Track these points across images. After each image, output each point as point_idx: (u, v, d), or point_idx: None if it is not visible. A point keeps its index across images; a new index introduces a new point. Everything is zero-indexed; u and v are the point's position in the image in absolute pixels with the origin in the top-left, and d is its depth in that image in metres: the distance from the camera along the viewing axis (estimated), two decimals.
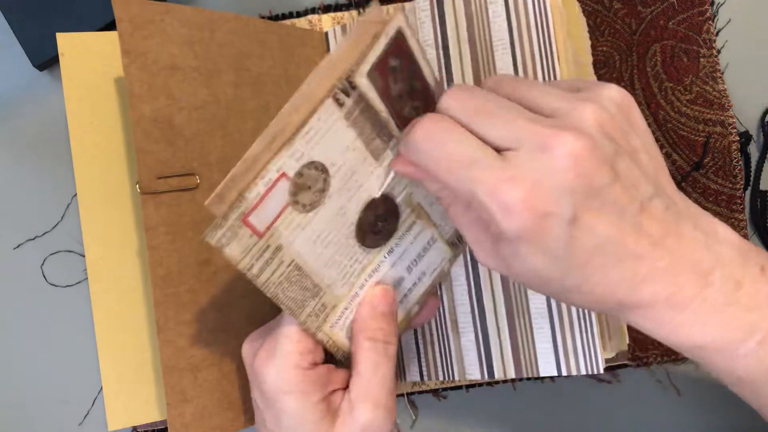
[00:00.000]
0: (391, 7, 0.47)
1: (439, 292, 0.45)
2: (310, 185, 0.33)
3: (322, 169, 0.33)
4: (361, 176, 0.35)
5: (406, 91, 0.34)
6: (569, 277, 0.31)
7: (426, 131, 0.32)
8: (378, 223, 0.37)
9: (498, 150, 0.30)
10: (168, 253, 0.40)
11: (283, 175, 0.32)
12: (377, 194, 0.36)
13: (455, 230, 0.41)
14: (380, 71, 0.33)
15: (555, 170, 0.29)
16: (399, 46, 0.33)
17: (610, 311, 0.32)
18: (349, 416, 0.36)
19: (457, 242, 0.41)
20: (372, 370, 0.37)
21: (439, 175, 0.31)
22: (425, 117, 0.32)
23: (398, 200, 0.37)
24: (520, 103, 0.32)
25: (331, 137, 0.33)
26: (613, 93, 0.31)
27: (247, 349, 0.39)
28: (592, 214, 0.30)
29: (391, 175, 0.36)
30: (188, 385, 0.40)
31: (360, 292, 0.38)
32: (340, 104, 0.32)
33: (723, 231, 0.32)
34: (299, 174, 0.32)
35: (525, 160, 0.29)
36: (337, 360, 0.39)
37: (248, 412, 0.43)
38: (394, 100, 0.34)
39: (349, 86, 0.32)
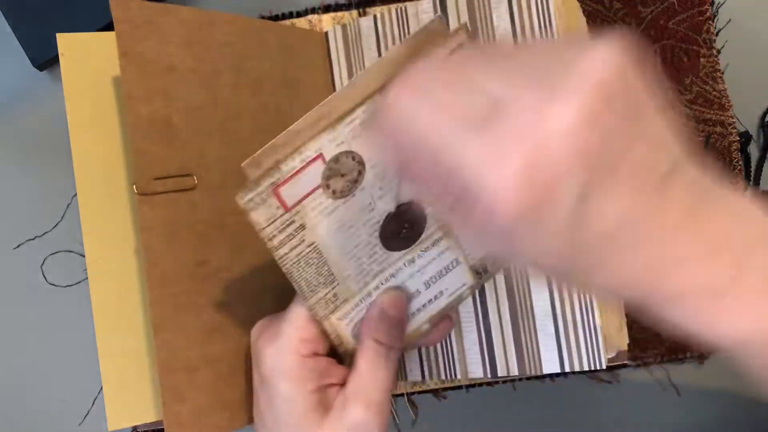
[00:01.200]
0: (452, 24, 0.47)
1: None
2: (344, 173, 0.34)
3: (359, 161, 0.34)
4: (395, 179, 0.35)
5: None
6: (584, 262, 0.26)
7: (391, 109, 0.26)
8: (404, 228, 0.37)
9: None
10: (164, 254, 0.40)
11: (321, 156, 0.33)
12: (405, 200, 0.36)
13: (481, 259, 0.41)
14: None
15: (559, 131, 0.23)
16: None
17: (633, 300, 0.27)
18: (341, 412, 0.36)
19: (481, 272, 0.41)
20: (371, 371, 0.37)
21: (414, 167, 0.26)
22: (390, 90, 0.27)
23: (427, 210, 0.37)
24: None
25: (372, 133, 0.33)
26: (610, 53, 0.24)
27: (255, 329, 0.39)
28: (607, 188, 0.24)
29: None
30: (184, 385, 0.40)
31: (374, 293, 0.38)
32: None
33: (755, 208, 0.27)
34: (335, 159, 0.33)
35: (517, 124, 0.23)
36: (339, 354, 0.39)
37: (245, 412, 0.43)
38: None
39: None
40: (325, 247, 0.35)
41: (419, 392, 0.51)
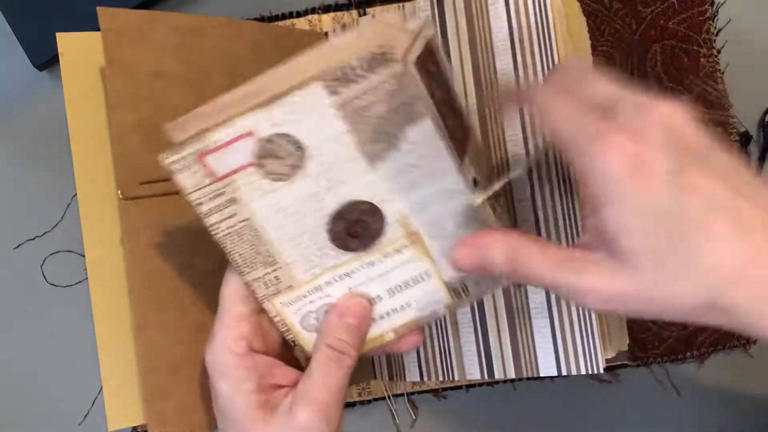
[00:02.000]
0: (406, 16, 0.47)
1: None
2: (281, 155, 0.33)
3: (298, 146, 0.33)
4: (346, 173, 0.34)
5: (444, 100, 0.33)
6: (679, 243, 0.28)
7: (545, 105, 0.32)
8: (356, 228, 0.36)
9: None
10: (151, 256, 0.41)
11: (251, 133, 0.32)
12: (363, 199, 0.35)
13: (461, 278, 0.38)
14: (422, 70, 0.32)
15: (655, 125, 0.28)
16: (431, 55, 0.33)
17: (708, 300, 0.29)
18: (288, 413, 0.36)
19: (461, 292, 0.39)
20: (322, 375, 0.36)
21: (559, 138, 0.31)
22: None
23: (388, 215, 0.36)
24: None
25: (314, 120, 0.32)
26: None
27: None
28: (696, 171, 0.28)
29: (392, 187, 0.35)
30: (168, 383, 0.41)
31: (327, 289, 0.37)
32: (333, 92, 0.31)
33: None
34: (269, 140, 0.32)
35: (625, 117, 0.29)
36: (289, 346, 0.39)
37: None
38: (438, 104, 0.33)
39: (347, 76, 0.31)
40: (262, 226, 0.35)
41: (419, 392, 0.51)
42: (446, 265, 0.37)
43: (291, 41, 0.47)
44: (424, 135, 0.33)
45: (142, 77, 0.41)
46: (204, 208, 0.34)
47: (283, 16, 0.52)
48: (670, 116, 0.29)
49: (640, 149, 0.28)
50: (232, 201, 0.34)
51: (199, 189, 0.33)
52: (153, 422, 0.41)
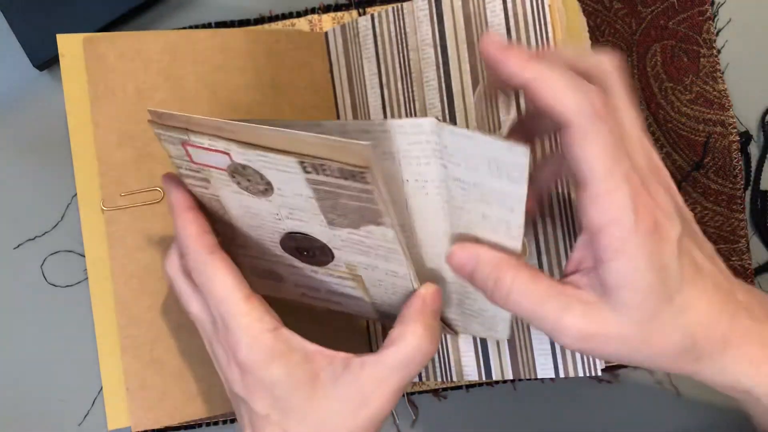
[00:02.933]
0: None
1: None
2: (250, 180, 0.33)
3: (268, 184, 0.33)
4: (306, 218, 0.34)
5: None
6: (676, 299, 0.31)
7: None
8: (305, 252, 0.36)
9: None
10: (132, 260, 0.44)
11: (227, 153, 0.32)
12: (318, 240, 0.35)
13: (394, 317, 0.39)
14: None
15: (663, 190, 0.32)
16: None
17: (688, 345, 0.32)
18: (401, 341, 0.34)
19: (386, 320, 0.40)
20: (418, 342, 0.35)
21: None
22: None
23: (337, 257, 0.36)
24: None
25: (284, 176, 0.32)
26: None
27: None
28: (689, 240, 0.32)
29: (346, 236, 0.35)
30: (150, 375, 0.44)
31: (277, 268, 0.40)
32: (306, 171, 0.31)
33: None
34: (242, 166, 0.32)
35: (637, 162, 0.33)
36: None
37: (210, 400, 0.45)
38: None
39: (323, 169, 0.30)
40: (229, 207, 0.36)
41: (419, 392, 0.51)
42: (381, 303, 0.39)
43: (284, 45, 0.48)
44: (384, 237, 0.33)
45: (127, 97, 0.44)
46: (182, 172, 0.35)
47: (283, 16, 0.52)
48: (672, 185, 0.34)
49: (658, 213, 0.31)
50: (206, 180, 0.35)
51: (179, 160, 0.34)
52: (135, 408, 0.43)
